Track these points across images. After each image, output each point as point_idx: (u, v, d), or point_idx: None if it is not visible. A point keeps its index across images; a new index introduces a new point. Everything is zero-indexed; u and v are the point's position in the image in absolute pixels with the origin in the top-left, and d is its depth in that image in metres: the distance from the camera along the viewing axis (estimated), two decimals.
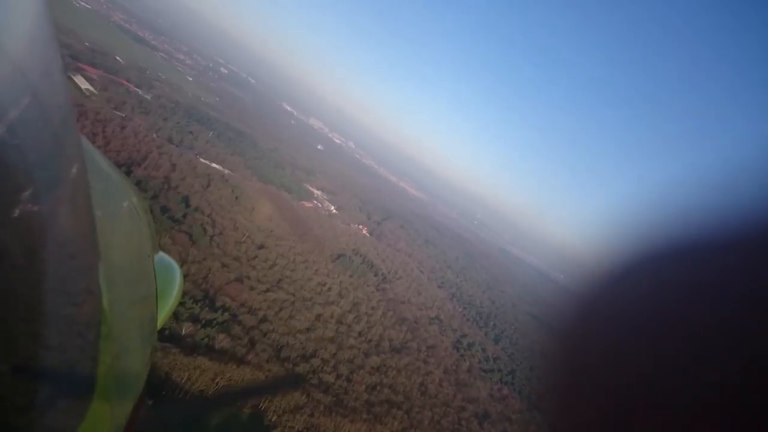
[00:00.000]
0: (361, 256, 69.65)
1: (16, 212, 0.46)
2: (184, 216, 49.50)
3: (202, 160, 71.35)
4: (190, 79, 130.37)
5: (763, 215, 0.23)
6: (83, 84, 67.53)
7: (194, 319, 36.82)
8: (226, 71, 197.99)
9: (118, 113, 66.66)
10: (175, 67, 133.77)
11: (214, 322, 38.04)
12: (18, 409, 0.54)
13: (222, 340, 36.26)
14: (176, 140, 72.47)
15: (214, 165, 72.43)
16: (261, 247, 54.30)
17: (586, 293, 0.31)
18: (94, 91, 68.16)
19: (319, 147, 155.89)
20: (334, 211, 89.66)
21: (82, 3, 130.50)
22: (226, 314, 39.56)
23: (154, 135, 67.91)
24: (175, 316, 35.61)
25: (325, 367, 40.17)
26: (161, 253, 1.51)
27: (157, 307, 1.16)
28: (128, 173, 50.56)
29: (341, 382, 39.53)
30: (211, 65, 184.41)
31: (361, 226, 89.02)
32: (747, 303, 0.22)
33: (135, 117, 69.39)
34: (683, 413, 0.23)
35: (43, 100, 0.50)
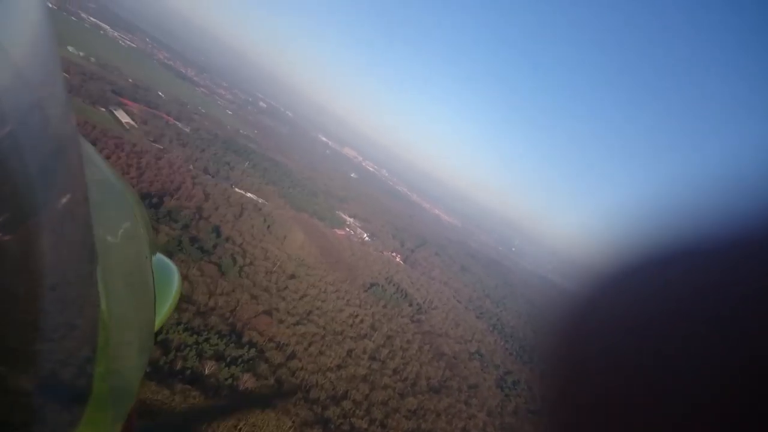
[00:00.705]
0: (394, 284, 66.02)
1: (15, 214, 0.46)
2: (215, 246, 47.88)
3: (236, 189, 70.78)
4: (230, 112, 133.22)
5: (763, 215, 0.23)
6: (123, 117, 68.84)
7: (219, 357, 34.17)
8: (265, 105, 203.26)
9: (156, 145, 67.28)
10: (216, 101, 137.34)
11: (240, 360, 35.26)
12: (14, 412, 0.54)
13: (247, 381, 33.29)
14: (212, 171, 72.43)
15: (248, 194, 71.70)
16: (292, 276, 51.87)
17: (588, 294, 0.31)
18: (134, 124, 69.29)
19: (352, 175, 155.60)
20: (367, 238, 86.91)
21: (128, 42, 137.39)
22: (253, 350, 36.76)
23: (191, 166, 67.98)
24: (199, 354, 33.11)
25: (357, 411, 36.35)
26: (159, 255, 1.48)
27: (155, 309, 1.17)
28: (159, 204, 49.79)
29: (375, 430, 35.56)
30: (250, 99, 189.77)
31: (394, 254, 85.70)
32: (747, 303, 0.22)
33: (173, 149, 69.98)
34: (683, 413, 0.23)
35: (43, 103, 0.50)
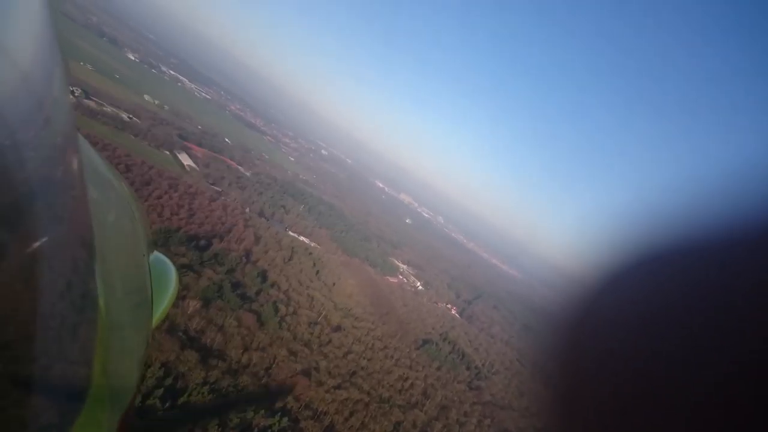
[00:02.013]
0: (450, 342, 58.10)
1: (13, 212, 0.46)
2: (258, 293, 43.74)
3: (290, 233, 67.95)
4: (292, 159, 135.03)
5: (760, 215, 0.23)
6: (186, 160, 69.10)
7: (245, 428, 28.70)
8: (327, 153, 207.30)
9: (215, 187, 66.51)
10: (280, 148, 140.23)
11: (269, 431, 29.59)
12: (11, 409, 0.54)
13: None
14: (267, 214, 70.38)
15: (301, 238, 68.59)
16: (337, 329, 46.24)
17: (586, 295, 0.30)
18: (195, 166, 69.31)
19: (407, 221, 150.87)
20: (420, 287, 79.95)
21: (203, 94, 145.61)
22: (285, 420, 30.93)
23: (246, 209, 66.26)
24: (222, 424, 27.80)
25: None
26: (156, 253, 1.47)
27: (152, 307, 1.16)
28: (207, 246, 46.98)
29: None
30: (313, 147, 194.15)
31: (449, 306, 77.82)
32: (746, 304, 0.22)
33: (231, 191, 69.07)
34: (681, 414, 0.22)
35: (45, 103, 0.50)
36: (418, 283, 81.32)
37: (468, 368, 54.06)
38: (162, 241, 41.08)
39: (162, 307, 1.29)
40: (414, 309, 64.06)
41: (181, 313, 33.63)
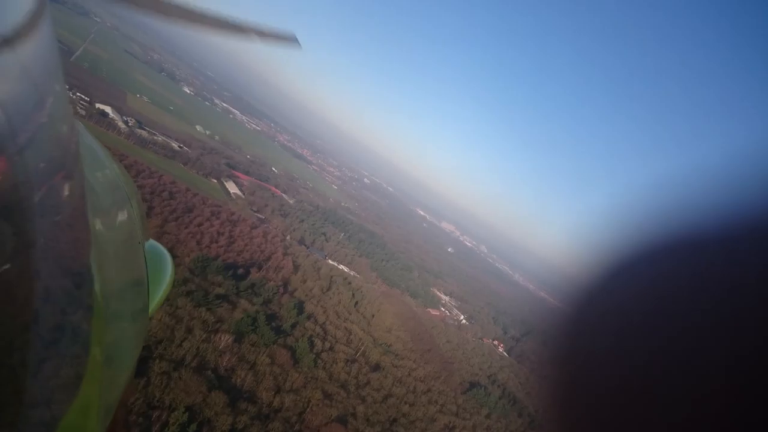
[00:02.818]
0: (499, 386, 52.25)
1: (9, 201, 0.45)
2: (294, 326, 40.82)
3: (329, 261, 65.50)
4: (335, 187, 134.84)
5: (758, 212, 0.23)
6: (232, 188, 69.00)
7: None
8: (369, 181, 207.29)
9: (258, 215, 65.63)
10: (324, 177, 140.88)
11: None
12: (4, 396, 0.53)
13: None
14: (307, 241, 68.52)
15: (340, 266, 65.88)
16: (375, 368, 42.22)
17: (583, 291, 0.30)
18: (241, 194, 69.04)
19: (449, 250, 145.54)
20: (464, 321, 74.42)
21: (253, 125, 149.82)
22: None
23: (287, 236, 64.70)
24: None
25: None
26: (152, 241, 1.48)
27: (148, 295, 1.15)
28: (245, 275, 44.97)
29: None
30: (356, 176, 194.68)
31: (496, 342, 71.57)
32: (744, 300, 0.21)
33: (273, 218, 68.00)
34: (680, 411, 0.22)
35: (40, 89, 0.49)
36: (462, 317, 75.84)
37: (520, 415, 47.91)
38: (199, 269, 39.39)
39: (158, 294, 1.29)
40: (458, 346, 58.81)
41: (212, 349, 31.07)
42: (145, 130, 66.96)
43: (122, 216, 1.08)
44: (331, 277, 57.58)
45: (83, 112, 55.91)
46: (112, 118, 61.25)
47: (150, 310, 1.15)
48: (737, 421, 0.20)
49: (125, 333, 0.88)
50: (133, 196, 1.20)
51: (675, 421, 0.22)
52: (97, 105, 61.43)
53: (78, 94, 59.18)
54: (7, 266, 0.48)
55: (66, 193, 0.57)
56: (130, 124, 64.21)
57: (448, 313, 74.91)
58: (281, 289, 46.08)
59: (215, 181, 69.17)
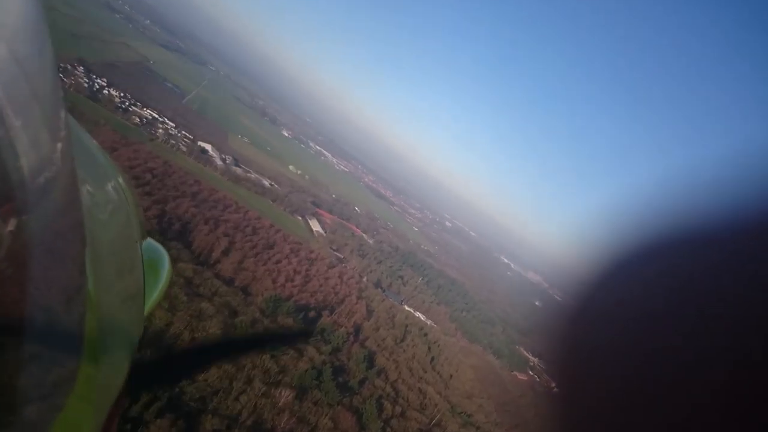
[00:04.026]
0: None
1: (2, 198, 0.45)
2: (362, 382, 36.12)
3: (405, 307, 60.63)
4: (416, 229, 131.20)
5: (759, 210, 0.22)
6: (315, 226, 68.31)
7: None
8: (451, 225, 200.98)
9: (337, 254, 63.65)
10: (405, 218, 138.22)
11: None
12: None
13: None
14: (384, 284, 64.53)
15: (416, 314, 60.43)
16: None
17: (583, 289, 0.29)
18: (323, 232, 67.97)
19: (536, 303, 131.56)
20: (557, 390, 63.33)
21: (342, 167, 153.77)
22: None
23: (364, 278, 61.44)
24: None
25: None
26: (149, 240, 1.45)
27: (144, 294, 1.15)
28: (316, 319, 41.77)
29: None
30: (437, 219, 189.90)
31: None
32: (744, 297, 0.21)
33: (351, 258, 65.58)
34: (679, 410, 0.22)
35: (33, 86, 0.49)
36: (554, 384, 64.95)
37: None
38: (270, 310, 36.94)
39: (154, 294, 1.27)
40: None
41: (270, 406, 27.36)
42: (240, 167, 69.70)
43: (118, 214, 1.06)
44: (406, 326, 52.35)
45: (185, 149, 59.69)
46: (210, 155, 64.45)
47: (146, 309, 1.12)
48: (736, 421, 0.20)
49: (120, 332, 0.88)
50: (129, 195, 1.15)
51: (674, 421, 0.22)
52: (199, 142, 65.31)
53: (183, 132, 63.82)
54: (0, 265, 0.48)
55: (59, 190, 0.56)
56: (227, 162, 67.09)
57: (538, 379, 64.48)
58: (352, 337, 41.93)
59: (300, 218, 69.11)
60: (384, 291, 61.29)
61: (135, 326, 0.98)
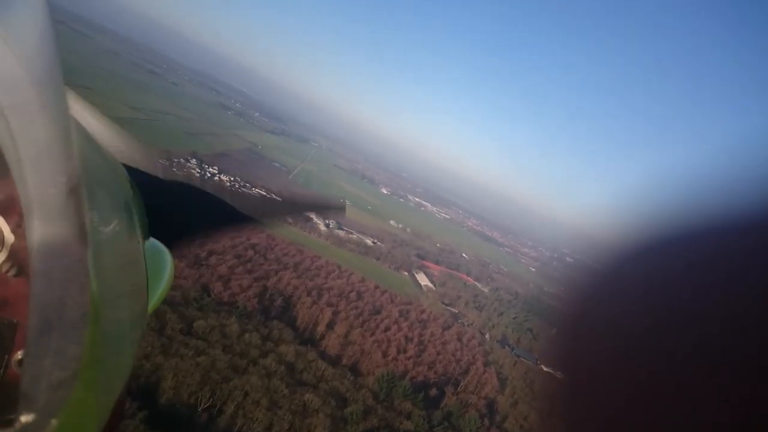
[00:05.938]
0: None
1: (4, 197, 0.43)
2: None
3: (544, 369, 49.50)
4: (533, 269, 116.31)
5: (763, 208, 0.21)
6: (423, 280, 61.91)
7: None
8: (572, 260, 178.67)
9: (450, 309, 55.88)
10: (519, 259, 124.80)
11: None
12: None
13: None
14: (511, 340, 54.39)
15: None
16: None
17: (588, 283, 0.28)
18: (431, 286, 61.14)
19: None
20: None
21: (443, 214, 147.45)
22: None
23: (486, 335, 52.29)
24: None
25: None
26: (152, 239, 1.40)
27: (147, 294, 1.10)
28: (439, 398, 34.10)
29: None
30: (555, 255, 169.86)
31: None
32: (743, 299, 0.21)
33: (467, 313, 57.09)
34: (681, 409, 0.21)
35: (36, 83, 0.48)
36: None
37: None
38: (385, 393, 30.57)
39: (157, 294, 1.25)
40: None
41: None
42: (343, 230, 67.92)
43: (121, 213, 1.03)
44: None
45: (291, 220, 59.13)
46: (315, 222, 63.45)
47: (149, 309, 1.08)
48: (737, 420, 0.19)
49: (122, 332, 0.87)
50: (132, 193, 1.13)
51: (675, 419, 0.21)
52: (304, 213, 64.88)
53: None
54: (0, 264, 0.46)
55: (61, 188, 0.56)
56: (330, 226, 65.69)
57: None
58: (486, 421, 33.04)
59: (406, 273, 63.58)
60: (513, 350, 51.07)
61: (138, 325, 0.98)
